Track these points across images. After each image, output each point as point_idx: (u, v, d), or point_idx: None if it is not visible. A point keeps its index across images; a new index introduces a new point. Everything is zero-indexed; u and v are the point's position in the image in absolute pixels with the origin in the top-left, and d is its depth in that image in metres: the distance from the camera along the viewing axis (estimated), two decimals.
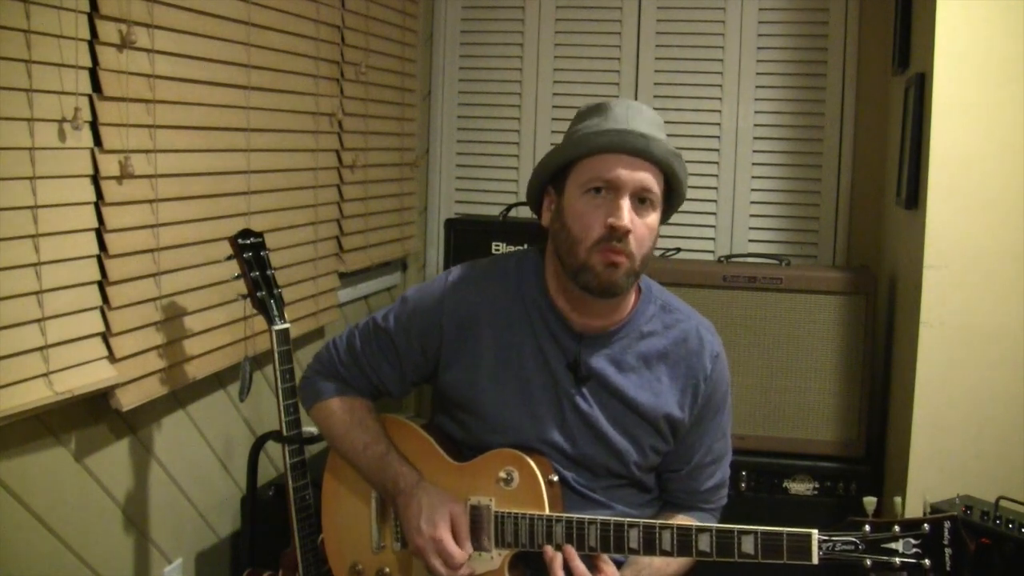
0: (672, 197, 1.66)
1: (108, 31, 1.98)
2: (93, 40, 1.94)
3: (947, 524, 1.43)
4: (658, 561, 1.67)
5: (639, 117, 1.59)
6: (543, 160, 1.65)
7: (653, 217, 1.60)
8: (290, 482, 2.14)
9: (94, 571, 2.11)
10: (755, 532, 1.49)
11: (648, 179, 1.57)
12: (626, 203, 1.55)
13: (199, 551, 2.53)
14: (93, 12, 1.94)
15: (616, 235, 1.54)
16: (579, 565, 1.58)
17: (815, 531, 1.47)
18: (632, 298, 1.71)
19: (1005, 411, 2.36)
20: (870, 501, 1.54)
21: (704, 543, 1.53)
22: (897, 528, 1.45)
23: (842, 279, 2.82)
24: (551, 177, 1.66)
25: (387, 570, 1.77)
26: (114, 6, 1.98)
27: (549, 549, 1.60)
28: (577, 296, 1.64)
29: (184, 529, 2.47)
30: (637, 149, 1.55)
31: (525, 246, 3.11)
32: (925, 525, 1.44)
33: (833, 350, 2.81)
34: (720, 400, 1.77)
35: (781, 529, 1.48)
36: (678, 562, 1.68)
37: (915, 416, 2.41)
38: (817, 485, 2.81)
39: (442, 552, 1.62)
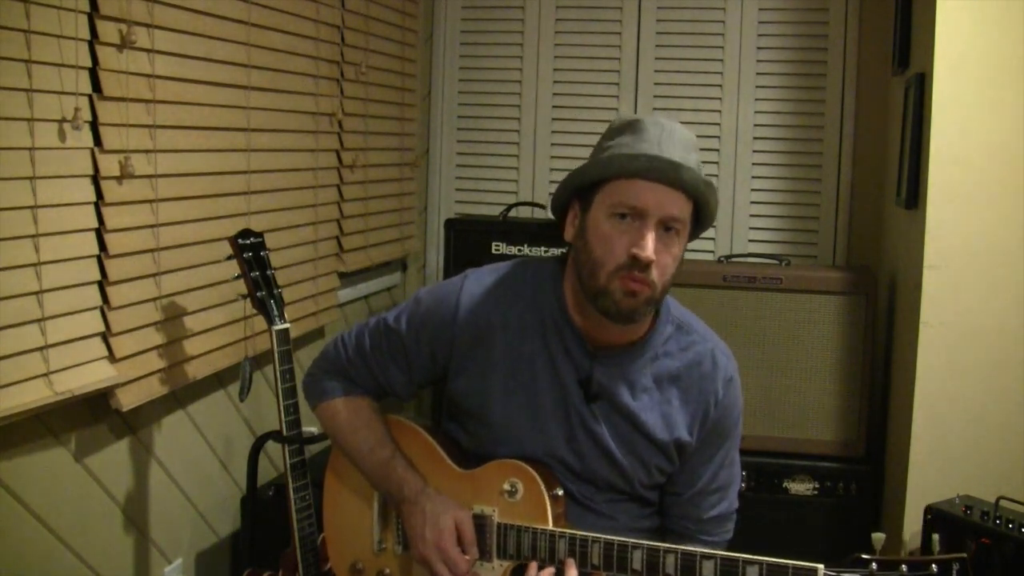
0: (700, 223, 1.61)
1: (108, 31, 1.98)
2: (93, 40, 1.94)
3: (956, 565, 1.40)
4: None
5: (672, 140, 1.55)
6: (570, 174, 1.60)
7: (678, 247, 1.56)
8: (290, 482, 2.14)
9: (94, 571, 2.11)
10: (760, 563, 1.45)
11: (675, 209, 1.52)
12: (651, 233, 1.51)
13: (199, 551, 2.53)
14: (93, 12, 1.94)
15: (639, 265, 1.51)
16: None
17: (821, 566, 1.43)
18: (649, 317, 1.66)
19: (1005, 411, 2.36)
20: (878, 538, 1.52)
21: (708, 570, 1.49)
22: (904, 567, 1.42)
23: (842, 279, 2.82)
24: (577, 192, 1.62)
25: (387, 571, 1.77)
26: (114, 6, 1.98)
27: (532, 568, 1.59)
28: (593, 314, 1.60)
29: (184, 529, 2.47)
30: (668, 178, 1.51)
31: (525, 247, 3.16)
32: (933, 565, 1.41)
33: (833, 350, 2.81)
34: (730, 426, 1.73)
35: (787, 562, 1.45)
36: None
37: (915, 416, 2.41)
38: (817, 485, 2.81)
39: (447, 560, 1.61)
